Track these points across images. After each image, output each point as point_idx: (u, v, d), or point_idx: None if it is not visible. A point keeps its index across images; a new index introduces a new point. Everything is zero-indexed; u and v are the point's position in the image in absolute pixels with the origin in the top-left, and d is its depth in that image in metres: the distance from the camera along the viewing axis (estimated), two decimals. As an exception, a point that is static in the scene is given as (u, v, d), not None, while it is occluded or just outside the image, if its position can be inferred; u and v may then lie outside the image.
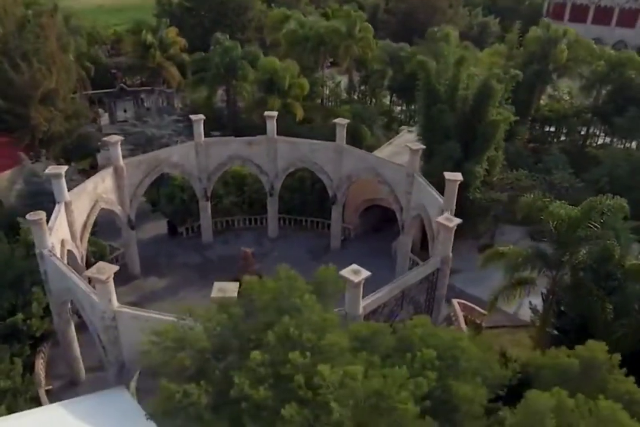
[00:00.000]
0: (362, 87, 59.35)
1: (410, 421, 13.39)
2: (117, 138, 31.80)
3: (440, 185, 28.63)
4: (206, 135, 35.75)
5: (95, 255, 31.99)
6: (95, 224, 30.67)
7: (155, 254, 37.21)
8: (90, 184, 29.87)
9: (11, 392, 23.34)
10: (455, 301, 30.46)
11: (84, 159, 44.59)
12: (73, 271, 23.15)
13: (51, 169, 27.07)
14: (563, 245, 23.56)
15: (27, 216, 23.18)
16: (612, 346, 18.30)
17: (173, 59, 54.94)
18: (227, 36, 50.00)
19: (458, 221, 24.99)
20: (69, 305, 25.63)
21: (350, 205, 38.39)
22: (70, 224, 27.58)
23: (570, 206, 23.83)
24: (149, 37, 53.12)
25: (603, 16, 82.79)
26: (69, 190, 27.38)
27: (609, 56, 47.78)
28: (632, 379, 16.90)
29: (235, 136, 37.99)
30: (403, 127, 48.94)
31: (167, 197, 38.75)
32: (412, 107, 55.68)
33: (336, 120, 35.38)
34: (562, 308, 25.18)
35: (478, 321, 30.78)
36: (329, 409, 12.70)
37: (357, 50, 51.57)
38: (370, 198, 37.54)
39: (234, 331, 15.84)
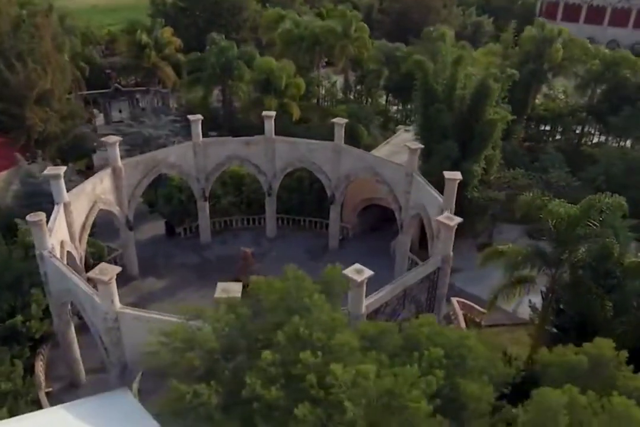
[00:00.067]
0: (358, 87, 59.39)
1: (422, 420, 13.45)
2: (116, 139, 31.56)
3: (438, 185, 28.72)
4: (204, 135, 35.62)
5: (93, 256, 31.88)
6: (93, 225, 30.48)
7: (153, 255, 37.04)
8: (88, 184, 29.69)
9: (12, 395, 23.20)
10: (454, 300, 30.58)
11: (80, 160, 44.43)
12: (74, 272, 23.01)
13: (50, 170, 26.84)
14: (562, 243, 23.57)
15: (27, 217, 22.95)
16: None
17: (168, 59, 54.70)
18: (223, 36, 49.89)
19: (459, 219, 25.01)
20: (69, 306, 25.46)
21: (348, 205, 38.37)
22: (69, 225, 27.38)
23: (569, 204, 23.95)
24: (144, 37, 52.88)
25: (595, 16, 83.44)
26: (67, 191, 27.16)
27: (603, 55, 48.10)
28: (640, 375, 16.98)
29: (232, 136, 37.89)
30: (400, 126, 48.99)
31: (164, 198, 38.51)
32: (409, 106, 55.82)
33: (334, 120, 35.20)
34: (562, 306, 25.26)
35: (477, 320, 30.92)
36: (342, 408, 12.72)
37: (352, 50, 51.52)
38: (368, 197, 37.55)
39: (242, 331, 15.83)
